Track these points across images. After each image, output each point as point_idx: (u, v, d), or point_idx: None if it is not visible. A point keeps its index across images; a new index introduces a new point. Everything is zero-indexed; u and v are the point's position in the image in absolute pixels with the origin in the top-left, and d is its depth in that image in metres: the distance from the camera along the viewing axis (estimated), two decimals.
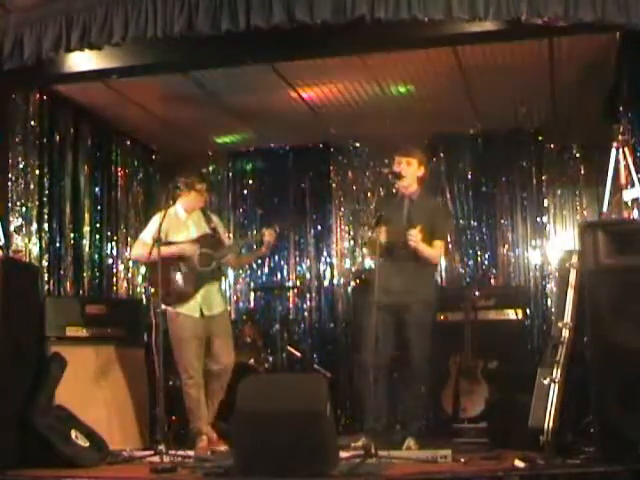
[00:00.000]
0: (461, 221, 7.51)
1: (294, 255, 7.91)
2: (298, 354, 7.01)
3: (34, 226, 6.05)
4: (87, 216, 6.84)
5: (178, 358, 5.29)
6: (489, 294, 6.49)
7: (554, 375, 4.46)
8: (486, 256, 7.48)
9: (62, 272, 6.41)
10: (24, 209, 5.95)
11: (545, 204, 7.40)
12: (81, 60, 5.26)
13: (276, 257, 7.88)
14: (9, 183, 5.82)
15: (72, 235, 6.59)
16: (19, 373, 4.63)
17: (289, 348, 6.96)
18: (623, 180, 4.68)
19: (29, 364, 4.79)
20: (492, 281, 7.42)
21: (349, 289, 7.63)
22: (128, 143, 7.56)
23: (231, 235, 7.76)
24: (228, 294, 7.88)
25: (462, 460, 4.34)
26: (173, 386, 5.73)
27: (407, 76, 6.21)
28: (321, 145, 7.89)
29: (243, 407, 3.96)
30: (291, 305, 7.83)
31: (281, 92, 6.47)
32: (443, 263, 7.20)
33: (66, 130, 6.58)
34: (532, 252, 7.39)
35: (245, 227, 8.01)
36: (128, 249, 7.27)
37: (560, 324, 4.58)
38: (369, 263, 7.47)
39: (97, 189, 7.03)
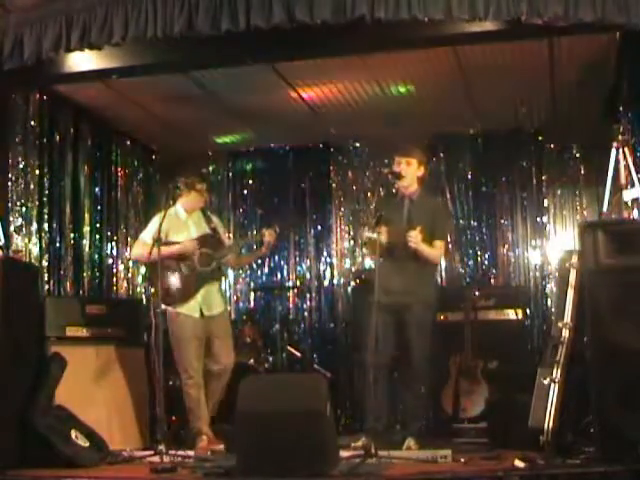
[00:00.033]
0: (461, 221, 7.51)
1: (294, 255, 7.91)
2: (298, 354, 7.01)
3: (34, 226, 6.05)
4: (87, 216, 6.84)
5: (178, 358, 5.29)
6: (489, 294, 6.49)
7: (554, 375, 4.46)
8: (486, 256, 7.49)
9: (62, 272, 6.41)
10: (24, 209, 5.95)
11: (545, 204, 7.40)
12: (81, 60, 5.26)
13: (276, 257, 7.89)
14: (9, 183, 5.82)
15: (72, 235, 6.59)
16: (19, 373, 4.63)
17: (289, 348, 6.96)
18: (623, 180, 4.68)
19: (29, 364, 4.79)
20: (492, 281, 7.42)
21: (349, 289, 7.63)
22: (128, 143, 7.56)
23: (231, 235, 7.77)
24: (228, 294, 7.88)
25: (462, 460, 4.34)
26: (173, 386, 5.73)
27: (407, 76, 6.22)
28: (321, 145, 7.89)
29: (243, 407, 3.96)
30: (291, 305, 7.83)
31: (281, 92, 6.47)
32: (443, 263, 7.19)
33: (66, 130, 6.58)
34: (532, 252, 7.39)
35: (245, 227, 8.01)
36: (128, 249, 7.27)
37: (560, 324, 4.58)
38: (369, 263, 7.48)
39: (97, 189, 7.03)
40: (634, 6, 4.38)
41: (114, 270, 7.22)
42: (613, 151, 4.70)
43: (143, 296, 7.39)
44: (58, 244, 6.39)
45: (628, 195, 4.65)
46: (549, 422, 4.35)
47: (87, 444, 4.70)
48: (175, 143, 7.75)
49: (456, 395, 5.94)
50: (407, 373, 5.22)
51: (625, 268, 4.09)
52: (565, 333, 4.55)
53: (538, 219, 7.41)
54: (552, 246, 7.30)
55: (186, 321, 5.30)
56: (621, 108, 5.99)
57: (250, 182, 8.11)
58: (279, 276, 7.94)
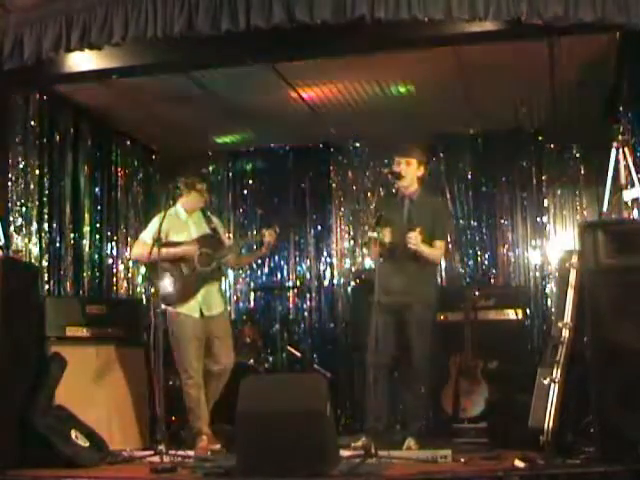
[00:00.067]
0: (461, 221, 7.51)
1: (294, 255, 7.91)
2: (298, 354, 7.01)
3: (34, 226, 6.05)
4: (87, 216, 6.84)
5: (178, 358, 5.29)
6: (489, 294, 6.48)
7: (554, 375, 4.46)
8: (486, 256, 7.48)
9: (62, 272, 6.41)
10: (24, 209, 5.95)
11: (545, 204, 7.40)
12: (81, 60, 5.26)
13: (276, 257, 7.89)
14: (9, 183, 5.82)
15: (72, 235, 6.59)
16: (19, 373, 4.63)
17: (289, 348, 6.96)
18: (623, 180, 4.68)
19: (29, 364, 4.79)
20: (492, 281, 7.42)
21: (349, 289, 7.63)
22: (128, 143, 7.56)
23: (231, 235, 7.77)
24: (228, 294, 7.88)
25: (462, 460, 4.34)
26: (173, 386, 5.73)
27: (407, 76, 6.21)
28: (321, 145, 7.89)
29: (243, 407, 3.96)
30: (291, 305, 7.83)
31: (281, 92, 6.47)
32: (443, 263, 7.19)
33: (66, 130, 6.58)
34: (532, 252, 7.39)
35: (245, 227, 8.01)
36: (128, 249, 7.27)
37: (560, 324, 4.58)
38: (369, 263, 7.48)
39: (97, 189, 7.03)
40: (634, 6, 4.38)
41: (114, 270, 7.22)
42: (613, 151, 4.70)
43: (143, 296, 7.39)
44: (58, 244, 6.39)
45: (628, 195, 4.65)
46: (549, 422, 4.35)
47: (87, 444, 4.71)
48: (175, 143, 7.75)
49: (456, 395, 5.93)
50: (407, 373, 5.22)
51: (625, 268, 4.09)
52: (565, 333, 4.55)
53: (538, 219, 7.41)
54: (552, 246, 7.30)
55: (186, 321, 5.30)
56: (621, 108, 5.99)
57: (250, 182, 8.11)
58: (279, 276, 7.94)
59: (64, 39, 4.91)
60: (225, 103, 6.72)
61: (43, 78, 5.64)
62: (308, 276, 7.85)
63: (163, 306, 5.19)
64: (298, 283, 7.88)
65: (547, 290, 7.28)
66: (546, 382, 4.47)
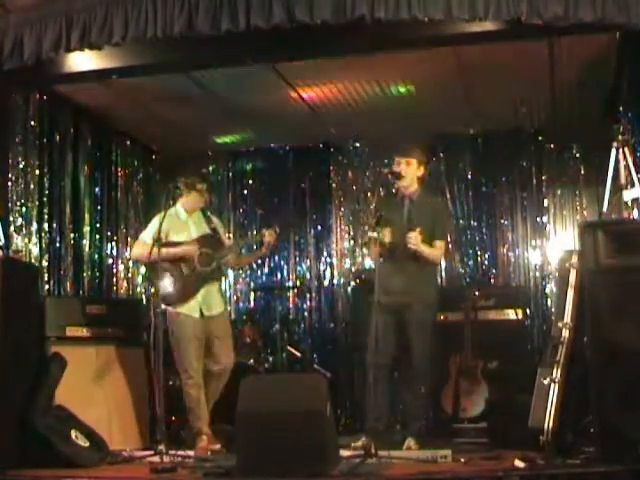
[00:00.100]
0: (461, 221, 7.51)
1: (294, 255, 7.91)
2: (298, 354, 7.01)
3: (34, 226, 6.05)
4: (87, 216, 6.84)
5: (178, 358, 5.29)
6: (489, 294, 6.48)
7: (554, 375, 4.46)
8: (486, 256, 7.48)
9: (62, 272, 6.41)
10: (24, 209, 5.95)
11: (545, 204, 7.40)
12: (81, 60, 5.26)
13: (276, 257, 7.89)
14: (9, 183, 5.82)
15: (72, 235, 6.59)
16: (19, 373, 4.63)
17: (289, 348, 6.96)
18: (623, 180, 4.68)
19: (29, 364, 4.79)
20: (492, 281, 7.42)
21: (349, 289, 7.63)
22: (128, 143, 7.56)
23: (231, 235, 7.77)
24: (228, 294, 7.88)
25: (462, 460, 4.34)
26: (173, 386, 5.73)
27: (407, 76, 6.21)
28: (321, 145, 7.89)
29: (243, 407, 3.96)
30: (291, 305, 7.83)
31: (281, 92, 6.47)
32: (443, 263, 7.19)
33: (66, 130, 6.58)
34: (532, 252, 7.39)
35: (245, 227, 8.01)
36: (128, 249, 7.28)
37: (560, 324, 4.58)
38: (369, 263, 7.49)
39: (97, 189, 7.03)
40: (634, 6, 4.38)
41: (114, 270, 7.22)
42: (613, 151, 4.70)
43: (143, 296, 7.40)
44: (58, 244, 6.39)
45: (628, 195, 4.65)
46: (549, 422, 4.35)
47: (87, 444, 4.71)
48: (175, 143, 7.75)
49: (456, 395, 5.93)
50: (408, 373, 5.22)
51: (625, 268, 4.09)
52: (565, 333, 4.55)
53: (538, 219, 7.41)
54: (552, 246, 7.30)
55: (186, 321, 5.30)
56: (621, 108, 5.99)
57: (250, 182, 8.11)
58: (279, 276, 7.94)
59: (64, 39, 4.91)
60: (225, 103, 6.72)
61: (43, 78, 5.63)
62: (308, 276, 7.85)
63: (163, 306, 5.19)
64: (298, 283, 7.88)
65: (547, 290, 7.28)
66: (546, 382, 4.47)
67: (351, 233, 7.80)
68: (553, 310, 6.22)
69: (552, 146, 7.39)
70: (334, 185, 7.89)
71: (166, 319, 5.24)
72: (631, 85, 5.56)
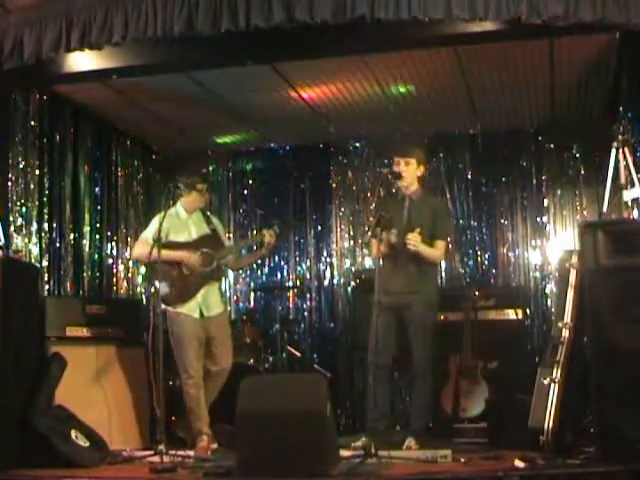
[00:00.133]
0: (461, 221, 7.51)
1: (294, 255, 7.91)
2: (298, 354, 7.01)
3: (34, 226, 6.04)
4: (87, 216, 6.84)
5: (178, 358, 5.28)
6: (489, 294, 6.48)
7: (554, 375, 4.46)
8: (486, 256, 7.48)
9: (62, 272, 6.41)
10: (24, 209, 5.95)
11: (545, 204, 7.39)
12: (81, 60, 5.26)
13: (276, 257, 7.89)
14: (9, 183, 5.82)
15: (72, 235, 6.59)
16: (19, 373, 4.63)
17: (289, 348, 6.95)
18: (623, 180, 4.68)
19: (29, 364, 4.79)
20: (492, 281, 7.42)
21: (349, 289, 7.63)
22: (128, 143, 7.56)
23: (231, 236, 7.77)
24: (228, 294, 7.89)
25: (462, 460, 4.34)
26: (173, 386, 5.74)
27: (407, 76, 6.21)
28: (321, 145, 7.89)
29: (243, 407, 3.96)
30: (291, 305, 7.83)
31: (281, 92, 6.47)
32: (443, 263, 7.18)
33: (66, 130, 6.58)
34: (532, 252, 7.39)
35: (245, 227, 8.01)
36: (128, 249, 7.28)
37: (560, 324, 4.58)
38: (369, 263, 7.49)
39: (97, 189, 7.03)
40: (634, 6, 4.38)
41: (114, 270, 7.22)
42: (613, 151, 4.70)
43: (143, 296, 7.40)
44: (58, 244, 6.38)
45: (628, 195, 4.66)
46: (549, 422, 4.36)
47: (87, 444, 4.71)
48: (175, 143, 7.75)
49: (456, 395, 5.93)
50: (409, 373, 5.22)
51: (625, 268, 4.09)
52: (565, 333, 4.55)
53: (538, 219, 7.40)
54: (552, 246, 7.30)
55: (186, 321, 5.29)
56: (621, 108, 5.99)
57: (250, 182, 8.11)
58: (279, 276, 7.94)
59: (64, 39, 4.91)
60: (225, 103, 6.73)
61: (43, 78, 5.63)
62: (308, 276, 7.85)
63: (163, 306, 5.19)
64: (298, 283, 7.88)
65: (547, 290, 7.28)
66: (546, 382, 4.48)
67: (351, 233, 7.80)
68: (553, 310, 6.22)
69: (552, 146, 7.39)
70: (334, 185, 7.88)
71: (166, 319, 5.24)
72: (631, 85, 5.56)
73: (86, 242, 6.79)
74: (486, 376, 5.94)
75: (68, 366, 5.00)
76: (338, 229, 7.84)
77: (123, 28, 4.79)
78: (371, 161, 7.76)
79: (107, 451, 4.83)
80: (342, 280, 7.74)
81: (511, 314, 6.39)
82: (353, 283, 7.45)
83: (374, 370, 4.83)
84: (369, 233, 5.14)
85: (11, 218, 5.79)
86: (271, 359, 6.63)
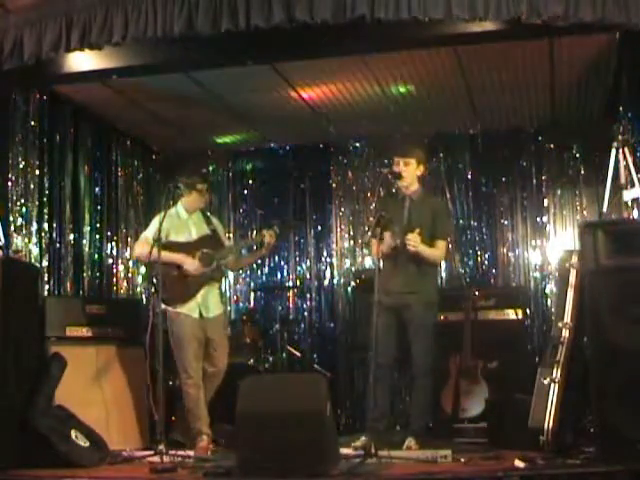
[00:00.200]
0: (461, 221, 7.51)
1: (294, 255, 7.91)
2: (298, 354, 7.01)
3: (34, 226, 6.04)
4: (87, 216, 6.84)
5: (178, 358, 5.28)
6: (489, 294, 6.48)
7: (554, 375, 4.46)
8: (486, 256, 7.48)
9: (62, 272, 6.41)
10: (24, 209, 5.95)
11: (545, 204, 7.40)
12: (81, 60, 5.26)
13: (276, 257, 7.89)
14: (9, 183, 5.82)
15: (72, 235, 6.59)
16: (19, 373, 4.63)
17: (289, 348, 6.95)
18: (623, 180, 4.68)
19: (29, 364, 4.79)
20: (492, 281, 7.42)
21: (349, 289, 7.63)
22: (128, 143, 7.56)
23: (231, 236, 7.77)
24: (228, 294, 7.89)
25: (462, 460, 4.34)
26: (173, 386, 5.74)
27: (407, 76, 6.21)
28: (321, 145, 7.89)
29: (243, 407, 3.96)
30: (291, 305, 7.83)
31: (281, 92, 6.47)
32: (443, 263, 7.18)
33: (66, 130, 6.58)
34: (532, 252, 7.39)
35: (245, 227, 8.02)
36: (128, 249, 7.28)
37: (560, 324, 4.58)
38: (369, 263, 7.49)
39: (97, 189, 7.03)
40: (634, 6, 4.37)
41: (114, 270, 7.22)
42: (613, 151, 4.70)
43: (143, 296, 7.40)
44: (58, 244, 6.38)
45: (628, 195, 4.66)
46: (549, 422, 4.36)
47: (87, 444, 4.71)
48: (175, 143, 7.76)
49: (456, 395, 5.93)
50: (409, 373, 5.22)
51: (625, 268, 4.09)
52: (565, 333, 4.55)
53: (538, 219, 7.41)
54: (552, 246, 7.30)
55: (186, 321, 5.29)
56: (621, 108, 5.99)
57: (250, 182, 8.12)
58: (279, 276, 7.94)
59: (64, 39, 4.91)
60: (225, 103, 6.73)
61: (43, 78, 5.63)
62: (308, 276, 7.85)
63: (163, 306, 5.19)
64: (298, 283, 7.88)
65: (547, 290, 7.28)
66: (546, 382, 4.48)
67: (351, 233, 7.80)
68: (553, 310, 6.22)
69: (552, 146, 7.39)
70: (334, 185, 7.88)
71: (166, 319, 5.24)
72: (631, 85, 5.56)
73: (86, 242, 6.79)
74: (486, 376, 5.94)
75: (68, 366, 5.00)
76: (338, 229, 7.84)
77: (123, 28, 4.79)
78: (371, 161, 7.76)
79: (107, 451, 4.83)
80: (342, 280, 7.75)
81: (511, 314, 6.39)
82: (353, 283, 7.46)
83: (374, 370, 4.83)
84: (369, 233, 5.14)
85: (11, 218, 5.79)
86: (271, 359, 6.63)
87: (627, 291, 4.06)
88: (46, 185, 6.24)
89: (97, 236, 6.97)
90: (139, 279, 7.50)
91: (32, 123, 6.09)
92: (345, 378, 7.34)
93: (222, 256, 5.49)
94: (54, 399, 4.88)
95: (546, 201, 7.40)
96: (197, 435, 5.25)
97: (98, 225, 6.99)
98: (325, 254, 7.86)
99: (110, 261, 7.17)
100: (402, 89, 6.49)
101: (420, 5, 4.45)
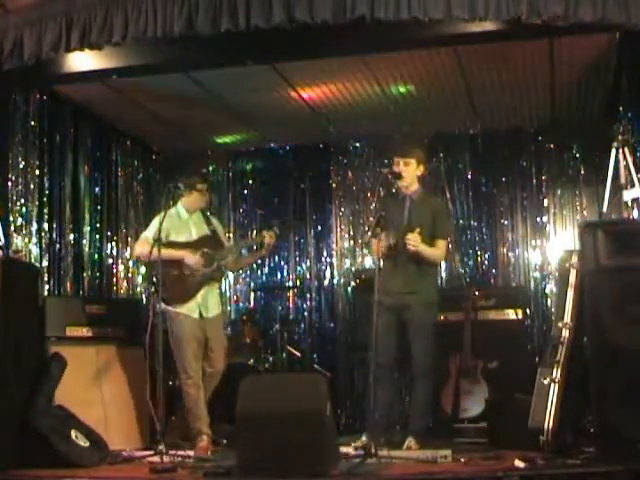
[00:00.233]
0: (461, 221, 7.51)
1: (294, 255, 7.91)
2: (298, 354, 7.01)
3: (34, 226, 6.04)
4: (87, 216, 6.84)
5: (177, 358, 5.28)
6: (489, 294, 6.48)
7: (554, 375, 4.46)
8: (486, 256, 7.48)
9: (62, 272, 6.41)
10: (24, 209, 5.95)
11: (545, 204, 7.40)
12: (81, 60, 5.26)
13: (276, 257, 7.89)
14: (9, 183, 5.82)
15: (72, 235, 6.59)
16: (19, 373, 4.63)
17: (289, 348, 6.95)
18: (623, 180, 4.68)
19: (29, 364, 4.79)
20: (492, 281, 7.42)
21: (349, 289, 7.63)
22: (128, 143, 7.56)
23: (231, 236, 7.77)
24: (228, 294, 7.89)
25: (462, 460, 4.34)
26: (172, 386, 5.73)
27: (407, 76, 6.21)
28: (321, 145, 7.89)
29: (243, 407, 3.96)
30: (291, 305, 7.83)
31: (281, 92, 6.47)
32: (443, 263, 7.18)
33: (66, 130, 6.58)
34: (532, 252, 7.39)
35: (245, 227, 8.02)
36: (128, 249, 7.28)
37: (560, 324, 4.58)
38: (369, 263, 7.49)
39: (97, 189, 7.03)
40: (634, 6, 4.38)
41: (114, 270, 7.22)
42: (613, 151, 4.70)
43: (143, 296, 7.40)
44: (58, 244, 6.38)
45: (628, 195, 4.65)
46: (549, 422, 4.36)
47: (87, 444, 4.71)
48: (175, 143, 7.75)
49: (456, 395, 5.93)
50: (409, 373, 5.21)
51: (625, 268, 4.09)
52: (565, 333, 4.55)
53: (538, 219, 7.41)
54: (552, 246, 7.30)
55: (185, 321, 5.30)
56: (621, 108, 5.99)
57: (250, 182, 8.12)
58: (279, 276, 7.94)
59: (64, 39, 4.91)
60: (225, 103, 6.73)
61: (43, 78, 5.63)
62: (308, 276, 7.85)
63: (163, 306, 5.19)
64: (298, 283, 7.88)
65: (547, 290, 7.28)
66: (546, 382, 4.47)
67: (351, 233, 7.80)
68: (553, 310, 6.22)
69: (552, 146, 7.39)
70: (334, 185, 7.88)
71: (166, 319, 5.24)
72: (631, 85, 5.56)
73: (86, 242, 6.79)
74: (486, 376, 5.94)
75: (68, 366, 5.00)
76: (338, 229, 7.84)
77: (123, 28, 4.79)
78: (371, 161, 7.76)
79: (107, 451, 4.83)
80: (342, 280, 7.75)
81: (511, 314, 6.39)
82: (353, 283, 7.46)
83: (374, 370, 4.83)
84: (369, 233, 5.14)
85: (11, 218, 5.79)
86: (271, 359, 6.63)
87: (627, 291, 4.05)
88: (46, 185, 6.24)
89: (97, 236, 6.97)
90: (139, 279, 7.50)
91: (32, 123, 6.09)
92: (345, 378, 7.34)
93: (222, 256, 5.49)
94: (54, 399, 4.88)
95: (546, 201, 7.40)
96: (197, 435, 5.25)
97: (98, 225, 6.99)
98: (325, 254, 7.86)
99: (110, 261, 7.17)
100: (402, 89, 6.49)
101: (420, 5, 4.45)
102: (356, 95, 6.59)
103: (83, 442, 4.69)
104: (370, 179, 7.72)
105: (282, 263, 7.93)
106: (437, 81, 6.26)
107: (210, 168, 8.09)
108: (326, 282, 7.82)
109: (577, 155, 7.34)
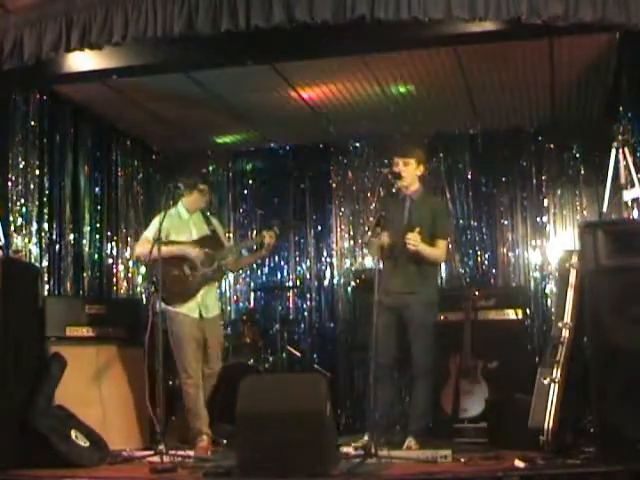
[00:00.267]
0: (461, 221, 7.51)
1: (294, 255, 7.91)
2: (298, 354, 7.01)
3: (34, 226, 6.04)
4: (87, 216, 6.84)
5: (177, 358, 5.28)
6: (489, 294, 6.48)
7: (554, 375, 4.46)
8: (486, 256, 7.48)
9: (62, 272, 6.41)
10: (24, 209, 5.95)
11: (545, 204, 7.40)
12: (81, 60, 5.26)
13: (276, 257, 7.89)
14: (9, 183, 5.82)
15: (72, 235, 6.59)
16: (19, 373, 4.63)
17: (289, 348, 6.95)
18: (623, 180, 4.68)
19: (29, 364, 4.79)
20: (492, 281, 7.42)
21: (349, 289, 7.63)
22: (128, 143, 7.56)
23: (231, 236, 7.77)
24: (228, 294, 7.89)
25: (462, 460, 4.34)
26: (172, 386, 5.73)
27: (407, 76, 6.22)
28: (321, 145, 7.89)
29: (243, 407, 3.96)
30: (291, 305, 7.83)
31: (281, 92, 6.48)
32: (443, 263, 7.17)
33: (66, 130, 6.58)
34: (532, 252, 7.39)
35: (245, 227, 8.02)
36: (128, 249, 7.28)
37: (560, 324, 4.58)
38: (369, 263, 7.49)
39: (97, 189, 7.03)
40: (634, 6, 4.37)
41: (114, 270, 7.22)
42: (613, 151, 4.70)
43: (143, 296, 7.40)
44: (58, 244, 6.38)
45: (628, 195, 4.66)
46: (549, 422, 4.36)
47: (87, 444, 4.71)
48: (175, 143, 7.75)
49: (456, 395, 5.93)
50: (409, 373, 5.21)
51: (625, 268, 4.09)
52: (565, 333, 4.55)
53: (538, 219, 7.41)
54: (552, 246, 7.30)
55: (185, 321, 5.30)
56: (621, 108, 5.99)
57: (250, 182, 8.12)
58: (279, 276, 7.94)
59: (64, 39, 4.91)
60: (225, 103, 6.73)
61: (43, 78, 5.63)
62: (308, 276, 7.85)
63: (163, 305, 5.19)
64: (298, 283, 7.88)
65: (547, 290, 7.28)
66: (546, 382, 4.47)
67: (351, 233, 7.80)
68: (553, 310, 6.22)
69: (552, 146, 7.39)
70: (334, 185, 7.89)
71: (166, 319, 5.24)
72: (631, 85, 5.56)
73: (86, 242, 6.79)
74: (486, 376, 5.94)
75: (68, 366, 5.00)
76: (338, 229, 7.84)
77: (123, 28, 4.79)
78: (371, 161, 7.76)
79: (107, 451, 4.83)
80: (342, 280, 7.75)
81: (511, 314, 6.39)
82: (353, 283, 7.46)
83: (374, 370, 4.83)
84: (369, 233, 5.14)
85: (11, 218, 5.79)
86: (271, 359, 6.63)
87: (627, 291, 4.05)
88: (46, 185, 6.24)
89: (97, 236, 6.97)
90: (139, 279, 7.50)
91: (32, 123, 6.09)
92: (345, 378, 7.34)
93: (222, 256, 5.50)
94: (54, 399, 4.88)
95: (546, 201, 7.40)
96: (197, 435, 5.25)
97: (98, 225, 6.99)
98: (325, 254, 7.86)
99: (110, 261, 7.17)
100: (402, 89, 6.49)
101: (420, 5, 4.45)
102: (356, 95, 6.59)
103: (83, 442, 4.69)
104: (370, 179, 7.72)
105: (282, 263, 7.93)
106: (437, 81, 6.26)
107: (210, 168, 8.09)
108: (326, 282, 7.82)
109: (577, 155, 7.34)
